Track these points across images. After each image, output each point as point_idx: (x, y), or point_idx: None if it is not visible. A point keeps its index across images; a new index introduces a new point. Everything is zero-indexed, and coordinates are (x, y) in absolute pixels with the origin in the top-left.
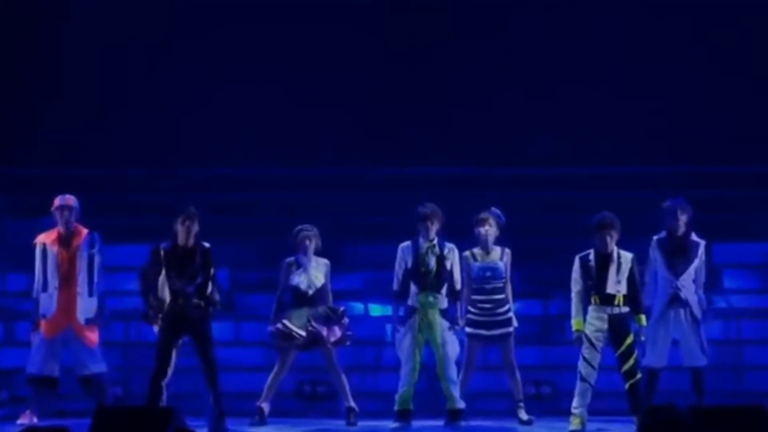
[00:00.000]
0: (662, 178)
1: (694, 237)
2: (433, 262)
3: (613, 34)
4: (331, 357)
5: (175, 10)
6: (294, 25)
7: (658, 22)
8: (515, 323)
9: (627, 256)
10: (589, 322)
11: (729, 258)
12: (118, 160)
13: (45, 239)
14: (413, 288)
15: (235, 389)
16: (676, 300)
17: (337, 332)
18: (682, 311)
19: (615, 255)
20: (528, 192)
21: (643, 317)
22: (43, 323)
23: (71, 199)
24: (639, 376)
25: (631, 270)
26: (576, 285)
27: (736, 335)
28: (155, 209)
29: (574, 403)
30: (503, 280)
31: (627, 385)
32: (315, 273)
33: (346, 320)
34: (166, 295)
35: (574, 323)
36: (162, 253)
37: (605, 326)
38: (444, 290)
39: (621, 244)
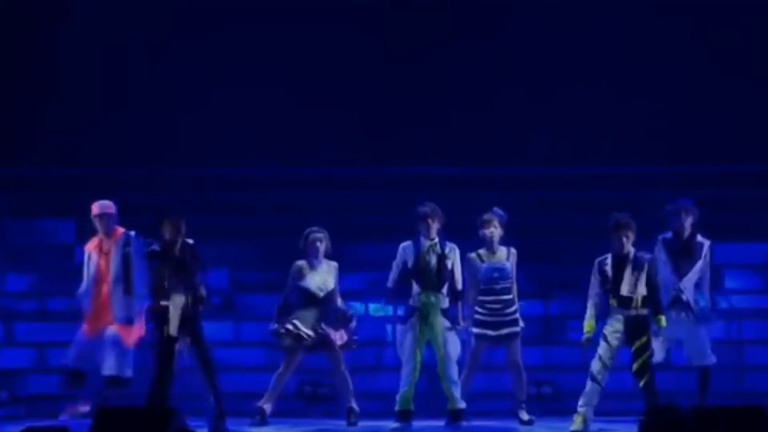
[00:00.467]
0: (662, 178)
1: (699, 238)
2: (434, 261)
3: (613, 34)
4: (339, 360)
5: (175, 10)
6: (294, 25)
7: (658, 22)
8: (522, 323)
9: (644, 257)
10: (608, 323)
11: (729, 258)
12: (118, 160)
13: (90, 246)
14: (414, 287)
15: (235, 389)
16: (677, 302)
17: (345, 336)
18: (683, 313)
19: (631, 256)
20: (528, 192)
21: (662, 318)
22: (85, 322)
23: (110, 207)
24: (649, 375)
25: (649, 271)
26: (592, 288)
27: (737, 335)
28: (155, 209)
29: (580, 401)
30: (510, 280)
31: (640, 384)
32: (325, 276)
33: (353, 324)
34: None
35: (585, 325)
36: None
37: (622, 327)
38: (445, 290)
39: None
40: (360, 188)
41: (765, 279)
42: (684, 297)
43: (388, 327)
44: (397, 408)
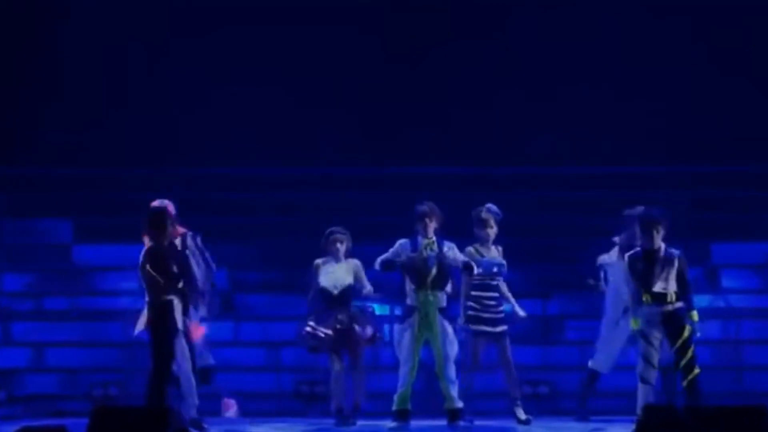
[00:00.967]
0: (662, 178)
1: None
2: (432, 260)
3: (613, 34)
4: (359, 357)
5: (175, 10)
6: (294, 25)
7: (658, 22)
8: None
9: (674, 253)
10: (644, 322)
11: (728, 258)
12: (118, 159)
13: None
14: (409, 285)
15: (235, 389)
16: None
17: (369, 332)
18: None
19: (662, 252)
20: (528, 192)
21: (695, 313)
22: None
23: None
24: (698, 371)
25: (679, 266)
26: (628, 284)
27: (736, 335)
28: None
29: (638, 407)
30: (502, 277)
31: (685, 382)
32: (342, 273)
33: (374, 320)
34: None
35: (635, 321)
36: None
37: (660, 324)
38: (446, 288)
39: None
40: (360, 188)
41: (764, 279)
42: None
43: (386, 326)
44: (394, 408)
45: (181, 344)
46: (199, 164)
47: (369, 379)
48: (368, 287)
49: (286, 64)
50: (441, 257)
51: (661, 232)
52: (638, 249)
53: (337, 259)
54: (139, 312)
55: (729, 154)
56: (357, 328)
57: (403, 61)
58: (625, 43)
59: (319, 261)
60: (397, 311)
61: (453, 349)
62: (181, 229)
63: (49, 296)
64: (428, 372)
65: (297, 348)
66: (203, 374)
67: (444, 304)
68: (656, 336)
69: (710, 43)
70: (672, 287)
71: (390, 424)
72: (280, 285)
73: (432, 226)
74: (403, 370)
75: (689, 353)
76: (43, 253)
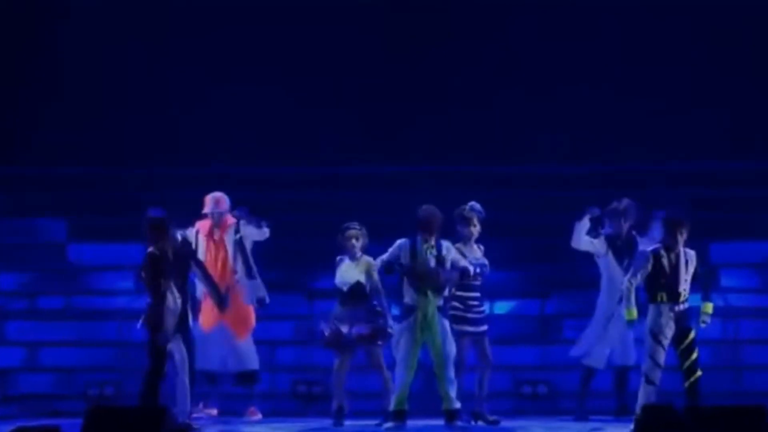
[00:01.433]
0: (662, 178)
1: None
2: (432, 263)
3: (613, 34)
4: (376, 355)
5: (175, 10)
6: (294, 25)
7: (658, 22)
8: None
9: (691, 254)
10: (656, 321)
11: (728, 257)
12: (118, 159)
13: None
14: (410, 288)
15: (235, 389)
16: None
17: (377, 329)
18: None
19: (683, 253)
20: (528, 191)
21: (710, 305)
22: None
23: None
24: (700, 373)
25: (696, 266)
26: (633, 276)
27: (735, 335)
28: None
29: (638, 405)
30: (483, 277)
31: (687, 384)
32: (353, 271)
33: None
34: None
35: (632, 312)
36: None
37: (672, 324)
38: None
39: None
40: (360, 188)
41: (763, 278)
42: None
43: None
44: (391, 408)
45: (179, 348)
46: (199, 164)
47: (364, 379)
48: (375, 286)
49: (286, 64)
50: (441, 262)
51: (685, 234)
52: (658, 246)
53: (351, 256)
54: (139, 311)
55: (729, 154)
56: (366, 327)
57: (403, 61)
58: (625, 43)
59: (338, 258)
60: (395, 311)
61: (452, 348)
62: (231, 219)
63: (44, 295)
64: (425, 373)
65: (294, 347)
66: (246, 377)
67: (441, 302)
68: (666, 335)
69: (710, 43)
70: (688, 287)
71: (386, 424)
72: (278, 284)
73: (435, 233)
74: (400, 371)
75: (693, 355)
76: (37, 252)
